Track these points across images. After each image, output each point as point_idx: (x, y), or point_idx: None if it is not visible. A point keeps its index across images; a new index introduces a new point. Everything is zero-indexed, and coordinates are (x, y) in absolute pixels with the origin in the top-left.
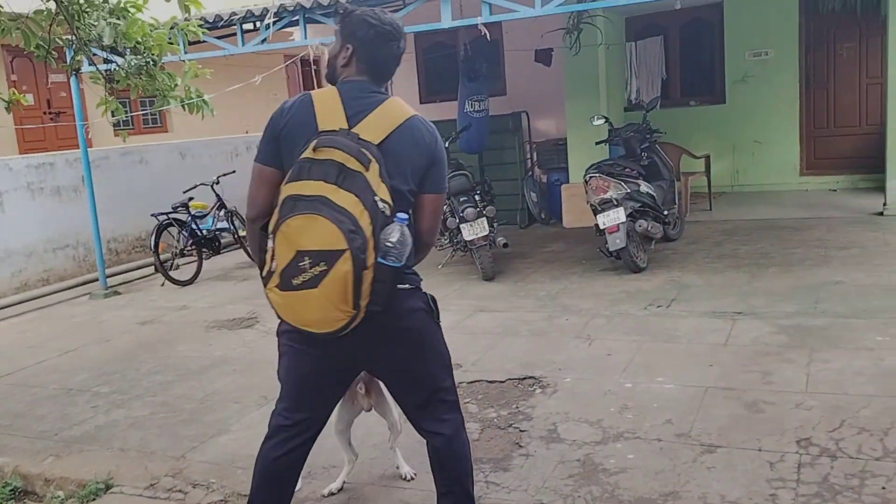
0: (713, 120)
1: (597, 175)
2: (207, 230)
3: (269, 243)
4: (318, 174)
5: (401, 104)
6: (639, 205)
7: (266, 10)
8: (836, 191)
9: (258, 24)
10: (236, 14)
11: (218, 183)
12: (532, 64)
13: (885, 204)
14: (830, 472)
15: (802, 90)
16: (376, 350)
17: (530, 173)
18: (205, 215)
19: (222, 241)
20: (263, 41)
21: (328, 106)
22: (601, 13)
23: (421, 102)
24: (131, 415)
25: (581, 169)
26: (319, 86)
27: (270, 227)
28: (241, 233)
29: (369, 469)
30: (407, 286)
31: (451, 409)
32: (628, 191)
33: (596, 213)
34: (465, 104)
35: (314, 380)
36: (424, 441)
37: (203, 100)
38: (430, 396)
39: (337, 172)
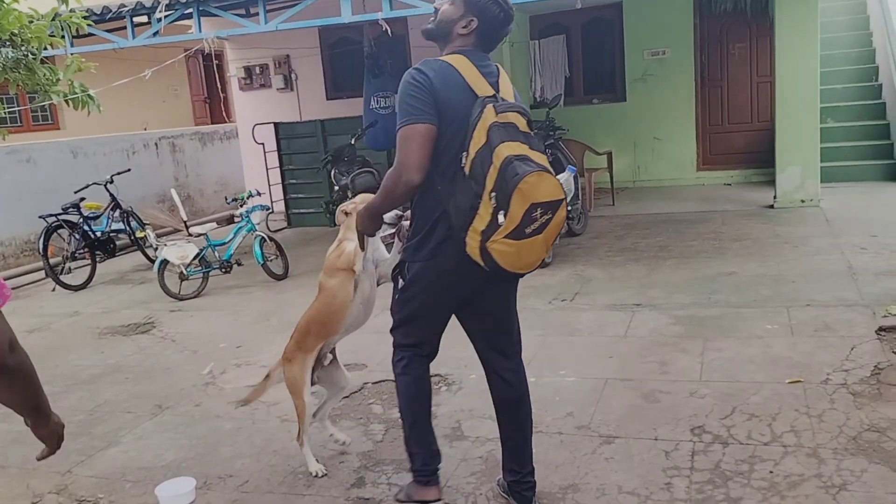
0: (615, 117)
1: None
2: (101, 232)
3: (485, 201)
4: (514, 136)
5: (504, 72)
6: None
7: (158, 1)
8: (730, 185)
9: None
10: (125, 6)
11: (112, 182)
12: None
13: (775, 197)
14: (722, 458)
15: (698, 88)
16: (491, 295)
17: None
18: (98, 216)
19: (117, 242)
20: (156, 34)
21: (473, 73)
22: None
23: (327, 99)
24: (13, 429)
25: None
26: (221, 81)
27: (489, 186)
28: (139, 234)
29: (269, 477)
30: None
31: (518, 354)
32: None
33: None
34: (371, 100)
35: (442, 314)
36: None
37: (89, 95)
38: (508, 339)
39: (521, 134)
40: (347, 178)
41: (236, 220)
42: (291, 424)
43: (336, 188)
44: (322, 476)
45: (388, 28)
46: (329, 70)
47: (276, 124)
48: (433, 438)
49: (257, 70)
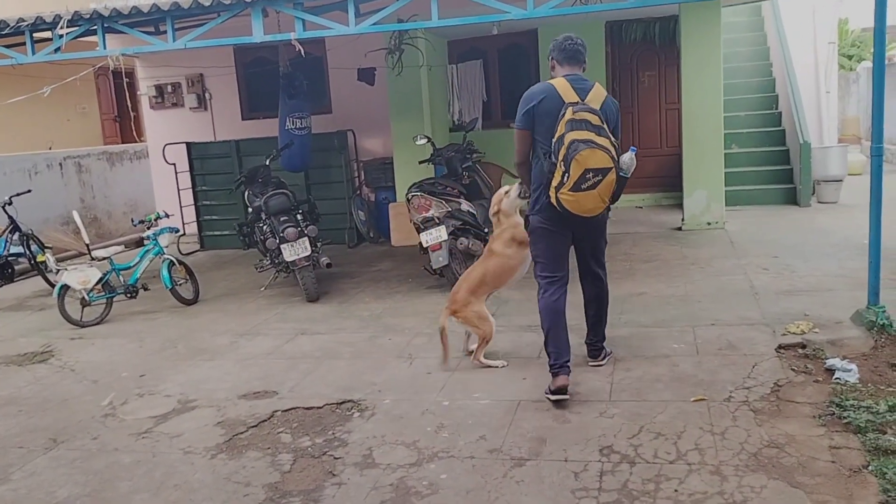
0: None
1: (418, 194)
2: None
3: (558, 168)
4: (583, 127)
5: (601, 87)
6: (460, 223)
7: (59, 17)
8: (641, 208)
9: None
10: (24, 21)
11: (10, 203)
12: (358, 82)
13: (683, 220)
14: (629, 478)
15: None
16: (587, 231)
17: (358, 192)
18: None
19: (16, 267)
20: (57, 50)
21: (567, 89)
22: (422, 35)
23: (243, 119)
24: None
25: (407, 188)
26: (132, 99)
27: (560, 158)
28: (40, 258)
29: None
30: None
31: (603, 267)
32: (449, 209)
33: (419, 231)
34: (287, 121)
35: (559, 247)
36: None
37: None
38: (601, 255)
39: (592, 126)
40: (261, 199)
41: (145, 242)
42: (194, 457)
43: (249, 210)
44: (504, 367)
45: (302, 49)
46: (245, 89)
47: (188, 144)
48: (563, 343)
49: (169, 88)
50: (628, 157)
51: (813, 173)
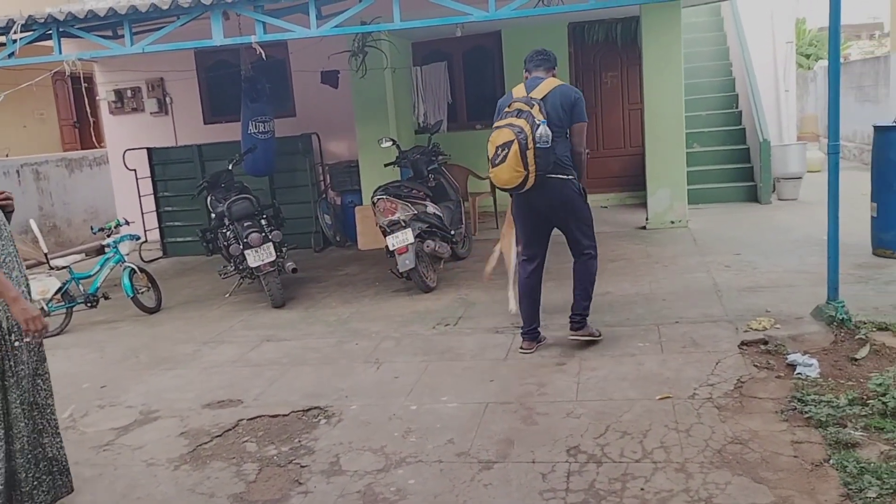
0: None
1: (384, 197)
2: None
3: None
4: (509, 115)
5: (552, 80)
6: (426, 225)
7: (13, 21)
8: (606, 207)
9: (7, 36)
10: None
11: None
12: (322, 85)
13: (647, 219)
14: (596, 477)
15: None
16: (551, 212)
17: (324, 195)
18: None
19: None
20: (11, 55)
21: (520, 89)
22: (385, 37)
23: (205, 123)
24: None
25: (373, 191)
26: (91, 105)
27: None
28: None
29: None
30: (562, 177)
31: (587, 248)
32: (415, 212)
33: (385, 234)
34: (249, 125)
35: (531, 228)
36: None
37: None
38: (576, 238)
39: (516, 112)
40: (224, 205)
41: (106, 250)
42: (157, 468)
43: (212, 216)
44: (516, 313)
45: (262, 52)
46: (206, 93)
47: (149, 149)
48: (530, 313)
49: (129, 93)
50: (542, 130)
51: (773, 171)
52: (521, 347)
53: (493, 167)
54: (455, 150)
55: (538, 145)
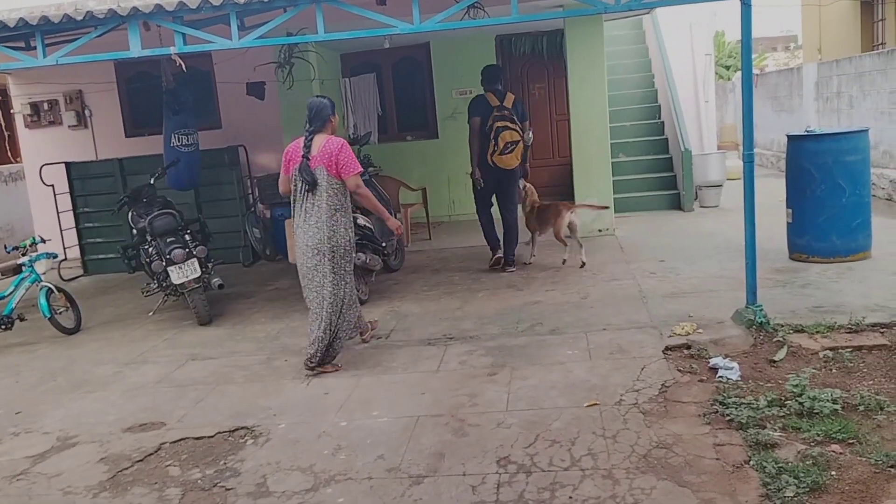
0: (429, 153)
1: None
2: None
3: (491, 143)
4: (505, 119)
5: (511, 94)
6: (357, 237)
7: None
8: None
9: None
10: None
11: None
12: (248, 97)
13: None
14: (526, 487)
15: None
16: (500, 186)
17: (252, 209)
18: None
19: None
20: None
21: (492, 97)
22: (313, 48)
23: (126, 136)
24: None
25: None
26: (6, 118)
27: (492, 137)
28: None
29: None
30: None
31: (510, 211)
32: None
33: None
34: (172, 138)
35: (487, 195)
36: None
37: None
38: (507, 206)
39: (508, 118)
40: (145, 220)
41: (23, 269)
42: (75, 497)
43: (134, 231)
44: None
45: (182, 63)
46: (127, 106)
47: (68, 164)
48: (493, 238)
49: (46, 106)
50: (530, 134)
51: (695, 179)
52: (492, 262)
53: (500, 155)
54: (386, 161)
55: (526, 144)
